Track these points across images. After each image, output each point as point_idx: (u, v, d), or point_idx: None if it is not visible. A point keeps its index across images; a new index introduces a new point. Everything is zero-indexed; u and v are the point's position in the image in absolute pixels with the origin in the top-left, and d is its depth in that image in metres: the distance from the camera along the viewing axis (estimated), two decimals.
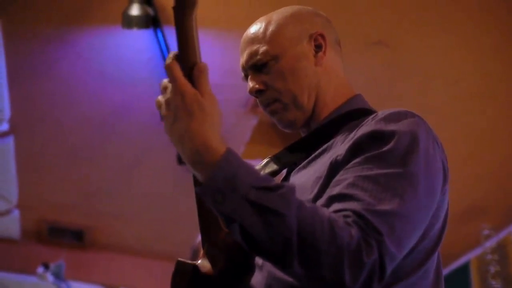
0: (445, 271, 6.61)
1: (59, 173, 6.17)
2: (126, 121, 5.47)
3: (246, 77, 1.70)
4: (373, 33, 4.43)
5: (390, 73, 4.70)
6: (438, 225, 1.47)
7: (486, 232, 6.03)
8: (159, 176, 6.07)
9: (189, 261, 1.42)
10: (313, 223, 1.23)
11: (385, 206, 1.28)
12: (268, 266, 1.43)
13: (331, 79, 1.68)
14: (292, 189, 1.25)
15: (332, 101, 1.66)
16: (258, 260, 1.46)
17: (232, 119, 4.70)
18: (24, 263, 6.88)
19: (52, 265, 6.17)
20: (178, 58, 1.28)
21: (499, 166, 5.50)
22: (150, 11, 4.30)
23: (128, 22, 4.29)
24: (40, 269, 6.08)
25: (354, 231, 1.24)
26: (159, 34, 4.49)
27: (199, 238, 3.12)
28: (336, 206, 1.30)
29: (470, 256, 6.42)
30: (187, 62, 1.28)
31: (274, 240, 1.22)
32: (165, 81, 1.26)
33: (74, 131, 5.70)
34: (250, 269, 1.46)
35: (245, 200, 1.21)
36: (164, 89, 1.26)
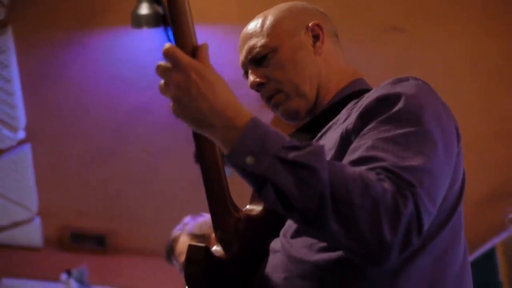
0: (471, 257, 6.57)
1: (78, 178, 6.17)
2: (143, 122, 5.45)
3: (246, 73, 1.71)
4: (388, 19, 4.39)
5: (405, 58, 4.66)
6: (457, 186, 1.45)
7: (511, 215, 5.98)
8: (179, 177, 6.05)
9: (201, 245, 1.42)
10: (344, 178, 1.22)
11: (410, 163, 1.28)
12: (287, 250, 1.41)
13: (332, 67, 1.69)
14: (321, 147, 1.26)
15: (335, 87, 1.68)
16: (275, 246, 1.45)
17: None
18: (47, 271, 6.89)
19: (74, 271, 6.16)
20: (175, 39, 1.29)
21: None
22: (159, 9, 4.28)
23: (138, 21, 4.28)
24: (64, 276, 6.06)
25: (387, 184, 1.23)
26: (170, 32, 4.46)
27: (172, 235, 3.07)
28: (362, 168, 1.28)
29: (496, 241, 6.37)
30: (185, 45, 1.28)
31: (308, 196, 1.21)
32: (163, 63, 1.25)
33: (90, 135, 5.69)
34: (263, 253, 1.45)
35: (276, 159, 1.22)
36: (164, 71, 1.24)
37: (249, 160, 1.22)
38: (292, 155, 1.22)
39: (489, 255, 6.45)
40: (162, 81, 1.26)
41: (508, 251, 6.23)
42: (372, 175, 1.24)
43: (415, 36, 4.58)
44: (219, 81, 1.25)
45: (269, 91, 1.67)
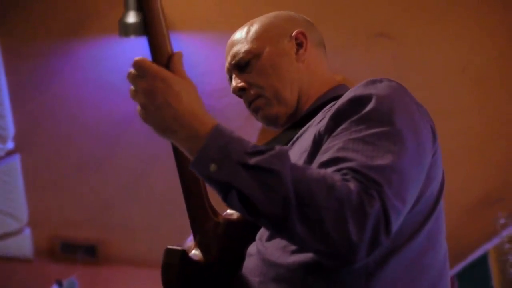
0: (464, 264, 6.57)
1: (68, 188, 6.14)
2: (131, 131, 5.43)
3: (231, 79, 1.74)
4: (376, 25, 4.39)
5: (395, 64, 4.66)
6: (434, 188, 1.45)
7: (502, 221, 5.98)
8: (169, 185, 6.00)
9: (179, 248, 1.43)
10: (308, 180, 1.23)
11: (378, 162, 1.28)
12: (262, 254, 1.41)
13: (314, 75, 1.71)
14: (284, 150, 1.26)
15: (315, 94, 1.69)
16: (251, 250, 1.46)
17: (238, 122, 4.67)
18: (38, 282, 6.85)
19: (65, 282, 6.14)
20: (150, 53, 1.31)
21: None
22: None
23: (125, 30, 4.27)
24: (54, 287, 6.05)
25: (353, 185, 1.23)
26: None
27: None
28: (330, 169, 1.29)
29: (488, 246, 6.37)
30: (160, 53, 1.31)
31: (272, 200, 1.22)
32: (133, 71, 1.28)
33: (79, 144, 5.67)
34: (241, 259, 1.46)
35: (239, 165, 1.23)
36: (133, 78, 1.28)
37: (212, 167, 1.24)
38: (254, 160, 1.23)
39: (481, 261, 6.45)
40: (132, 87, 1.29)
41: (500, 257, 6.23)
42: (337, 176, 1.25)
43: (404, 41, 4.58)
44: (185, 90, 1.28)
45: (251, 96, 1.69)
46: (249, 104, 1.70)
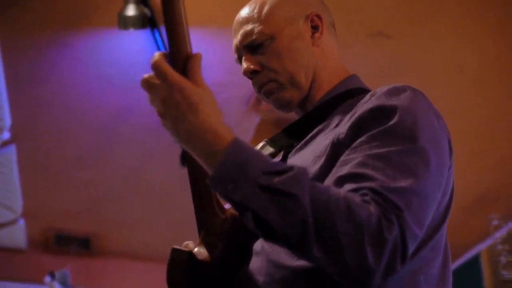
0: (456, 264, 6.58)
1: (63, 180, 6.13)
2: (129, 124, 5.43)
3: (239, 58, 1.66)
4: (374, 24, 4.39)
5: (392, 64, 4.66)
6: (445, 201, 1.43)
7: (495, 222, 5.99)
8: (165, 179, 6.02)
9: (185, 249, 1.40)
10: (328, 203, 1.20)
11: (400, 183, 1.24)
12: (268, 253, 1.39)
13: (328, 60, 1.66)
14: (303, 171, 1.22)
15: (327, 82, 1.64)
16: (256, 247, 1.43)
17: (234, 118, 4.66)
18: (31, 273, 6.85)
19: (57, 273, 6.14)
20: (168, 50, 1.27)
21: (508, 155, 5.46)
22: (146, 11, 4.27)
23: (124, 23, 4.26)
24: (47, 278, 6.05)
25: (373, 208, 1.20)
26: (156, 34, 4.46)
27: None
28: (348, 186, 1.26)
29: (481, 247, 6.38)
30: (178, 51, 1.26)
31: (289, 224, 1.19)
32: (148, 77, 1.23)
33: (76, 136, 5.66)
34: (248, 255, 1.43)
35: (256, 186, 1.19)
36: (151, 86, 1.22)
37: (229, 186, 1.20)
38: (272, 181, 1.20)
39: (474, 262, 6.46)
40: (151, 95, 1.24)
41: (492, 258, 6.25)
42: (357, 198, 1.22)
43: (402, 40, 4.58)
44: (203, 102, 1.22)
45: (263, 79, 1.62)
46: (260, 86, 1.63)
